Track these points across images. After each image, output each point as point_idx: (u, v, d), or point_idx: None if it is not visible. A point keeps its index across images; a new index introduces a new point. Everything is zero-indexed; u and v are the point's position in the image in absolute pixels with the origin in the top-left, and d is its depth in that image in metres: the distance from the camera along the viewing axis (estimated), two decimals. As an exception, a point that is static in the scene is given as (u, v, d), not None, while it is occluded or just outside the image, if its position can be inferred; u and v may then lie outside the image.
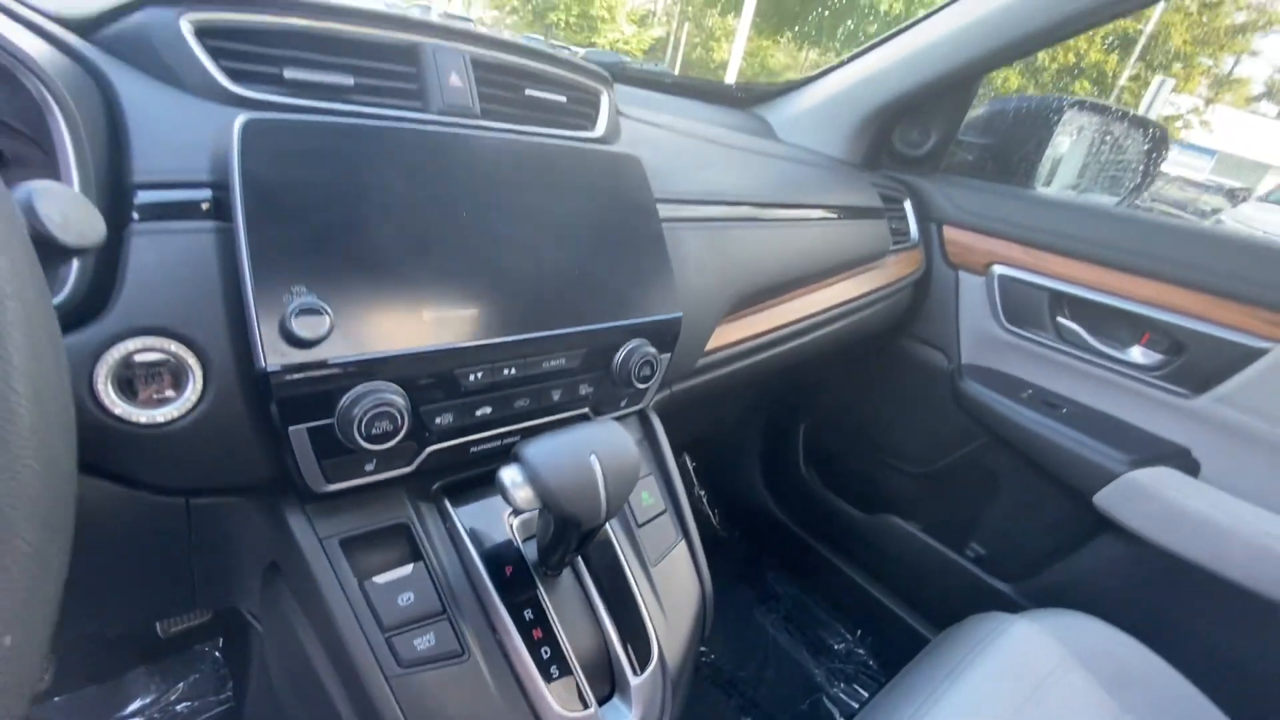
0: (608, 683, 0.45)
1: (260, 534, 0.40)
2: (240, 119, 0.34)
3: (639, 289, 0.49)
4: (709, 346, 0.62)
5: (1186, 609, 0.80)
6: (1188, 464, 0.82)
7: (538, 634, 0.42)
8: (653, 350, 0.49)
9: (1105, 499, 0.82)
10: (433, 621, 0.39)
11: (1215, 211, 6.36)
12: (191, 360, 0.33)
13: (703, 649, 1.11)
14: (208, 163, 0.34)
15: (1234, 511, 0.75)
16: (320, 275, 0.34)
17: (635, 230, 0.50)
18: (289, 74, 0.39)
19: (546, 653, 0.42)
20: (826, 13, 15.20)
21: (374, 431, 0.35)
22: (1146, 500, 0.79)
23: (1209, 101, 18.23)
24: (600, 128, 0.54)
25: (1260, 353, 0.74)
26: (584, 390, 0.48)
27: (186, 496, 0.38)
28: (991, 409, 0.93)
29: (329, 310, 0.34)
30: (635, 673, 0.45)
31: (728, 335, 0.66)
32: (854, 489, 1.18)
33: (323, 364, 0.34)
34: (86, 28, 0.36)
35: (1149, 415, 0.85)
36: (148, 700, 0.81)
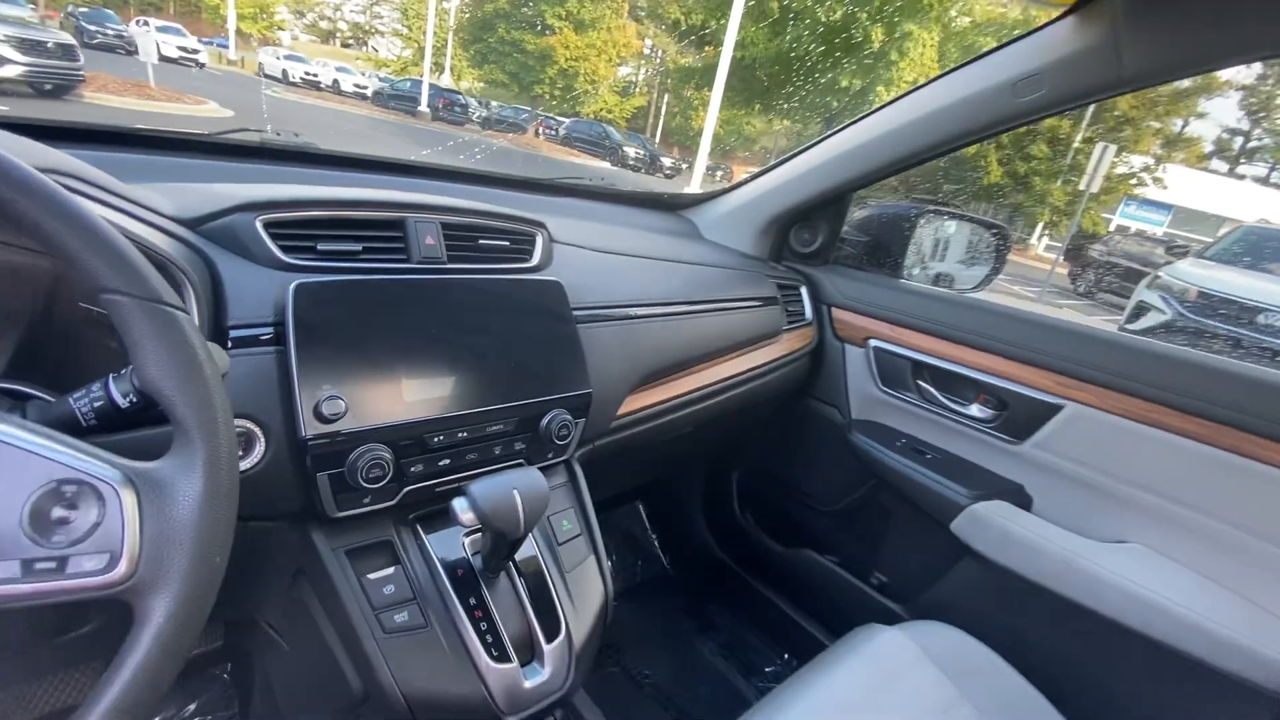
0: (529, 651, 0.63)
1: (290, 547, 0.60)
2: (293, 284, 0.55)
3: (558, 373, 0.71)
4: (620, 411, 0.83)
5: (1024, 617, 0.99)
6: (1022, 498, 1.02)
7: (479, 614, 0.60)
8: (568, 417, 0.70)
9: (958, 527, 1.02)
10: (406, 604, 0.58)
11: (1164, 264, 6.76)
12: (259, 432, 0.53)
13: (646, 671, 1.27)
14: (271, 311, 0.55)
15: (1048, 535, 0.95)
16: (339, 376, 0.55)
17: (555, 333, 0.72)
18: (320, 246, 0.60)
19: (485, 627, 0.60)
20: (790, 89, 16.23)
21: (370, 476, 0.55)
22: (985, 527, 0.99)
23: (1159, 160, 19.34)
24: (535, 259, 0.77)
25: (1058, 408, 0.96)
26: (519, 446, 0.68)
27: (245, 520, 0.57)
28: (875, 456, 1.14)
29: (344, 399, 0.54)
30: (546, 642, 0.63)
31: (638, 402, 0.86)
32: (779, 528, 1.37)
33: (339, 433, 0.54)
34: (197, 224, 0.58)
35: (991, 459, 1.06)
36: (166, 716, 0.96)
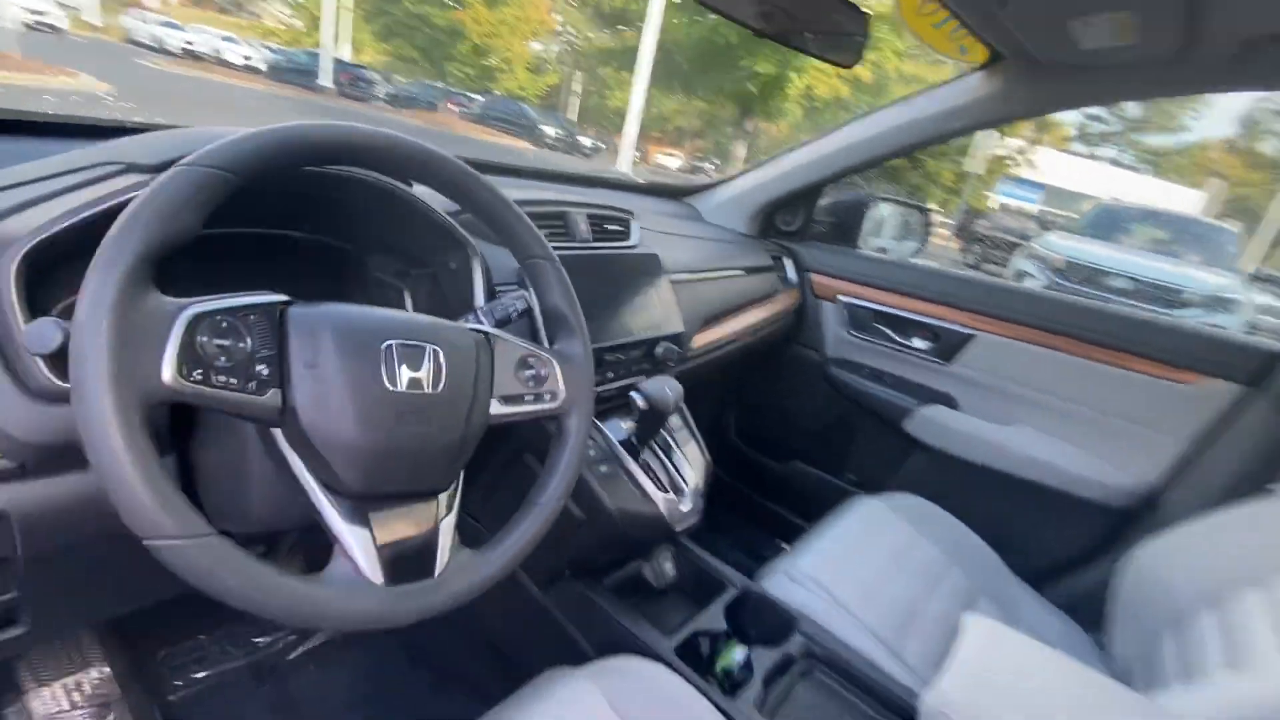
0: (676, 490, 0.96)
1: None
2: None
3: (664, 318, 1.03)
4: (694, 345, 1.16)
5: (960, 485, 1.42)
6: (951, 402, 1.45)
7: (645, 467, 0.93)
8: (673, 346, 1.02)
9: (910, 426, 1.43)
10: (606, 460, 0.90)
11: (1035, 237, 7.74)
12: None
13: None
14: (514, 274, 0.84)
15: (970, 425, 1.38)
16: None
17: (659, 290, 1.04)
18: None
19: (651, 475, 0.93)
20: (700, 70, 16.74)
21: None
22: (928, 424, 1.41)
23: (1031, 143, 21.47)
24: (634, 239, 1.08)
25: (972, 337, 1.39)
26: (645, 365, 1.00)
27: None
28: (847, 383, 1.53)
29: None
30: (685, 485, 0.97)
31: (700, 340, 1.20)
32: (773, 447, 1.75)
33: None
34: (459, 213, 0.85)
35: (929, 377, 1.48)
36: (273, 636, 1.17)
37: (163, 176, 0.42)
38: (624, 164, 8.60)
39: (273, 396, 0.45)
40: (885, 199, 1.66)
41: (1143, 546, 0.97)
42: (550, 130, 20.04)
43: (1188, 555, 0.92)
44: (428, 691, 1.10)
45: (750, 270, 1.43)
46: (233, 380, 0.43)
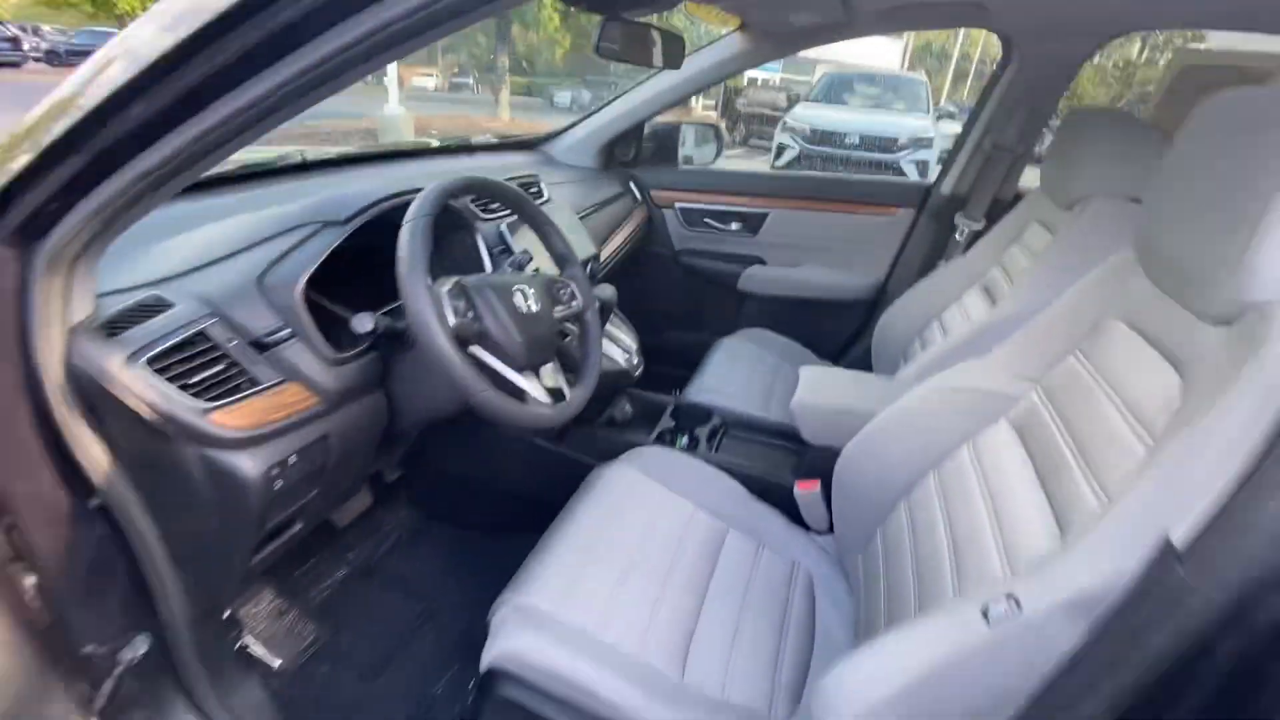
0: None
1: None
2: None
3: (582, 245, 1.49)
4: (602, 261, 1.64)
5: (784, 315, 2.11)
6: (762, 261, 2.11)
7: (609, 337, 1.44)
8: (597, 263, 1.50)
9: (740, 284, 2.08)
10: None
11: (786, 110, 8.96)
12: None
13: None
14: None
15: (779, 272, 2.06)
16: None
17: (575, 227, 1.50)
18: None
19: (613, 340, 1.44)
20: None
21: None
22: (751, 280, 2.07)
23: (765, 17, 23.26)
24: (547, 195, 1.50)
25: (767, 214, 2.03)
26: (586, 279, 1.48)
27: None
28: (693, 266, 2.14)
29: None
30: (631, 349, 1.50)
31: (604, 256, 1.68)
32: (652, 324, 2.32)
33: None
34: None
35: (745, 247, 2.12)
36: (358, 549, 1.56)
37: (408, 224, 0.82)
38: (393, 99, 8.18)
39: (478, 324, 0.88)
40: (685, 123, 2.21)
41: (846, 453, 1.01)
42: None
43: (879, 455, 0.98)
44: (494, 544, 1.55)
45: (614, 197, 1.91)
46: (465, 316, 0.85)
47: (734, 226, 2.09)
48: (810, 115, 7.52)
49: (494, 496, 1.54)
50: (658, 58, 1.24)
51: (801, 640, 0.93)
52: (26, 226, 0.59)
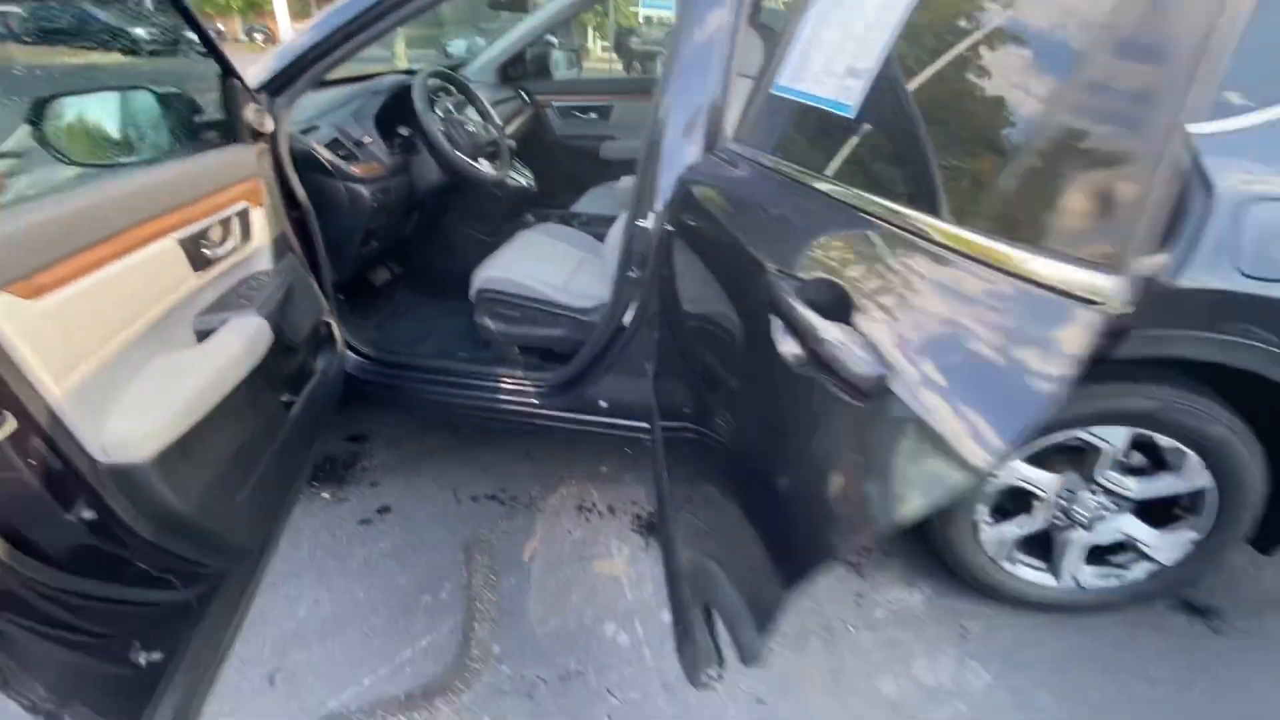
0: None
1: None
2: None
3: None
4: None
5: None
6: (613, 139, 3.20)
7: None
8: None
9: (601, 153, 3.18)
10: None
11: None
12: None
13: None
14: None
15: (629, 146, 3.17)
16: None
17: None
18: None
19: None
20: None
21: None
22: (606, 152, 3.17)
23: (652, -46, 23.53)
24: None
25: (611, 106, 3.12)
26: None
27: None
28: (567, 144, 3.21)
29: None
30: None
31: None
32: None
33: None
34: None
35: (604, 130, 3.20)
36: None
37: (415, 87, 1.88)
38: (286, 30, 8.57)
39: (455, 130, 1.95)
40: (549, 44, 3.25)
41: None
42: (141, 31, 16.62)
43: None
44: (462, 303, 2.62)
45: (509, 98, 2.94)
46: (447, 127, 1.93)
47: (592, 115, 3.17)
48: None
49: (456, 276, 2.63)
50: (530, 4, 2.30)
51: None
52: (280, 88, 1.61)
